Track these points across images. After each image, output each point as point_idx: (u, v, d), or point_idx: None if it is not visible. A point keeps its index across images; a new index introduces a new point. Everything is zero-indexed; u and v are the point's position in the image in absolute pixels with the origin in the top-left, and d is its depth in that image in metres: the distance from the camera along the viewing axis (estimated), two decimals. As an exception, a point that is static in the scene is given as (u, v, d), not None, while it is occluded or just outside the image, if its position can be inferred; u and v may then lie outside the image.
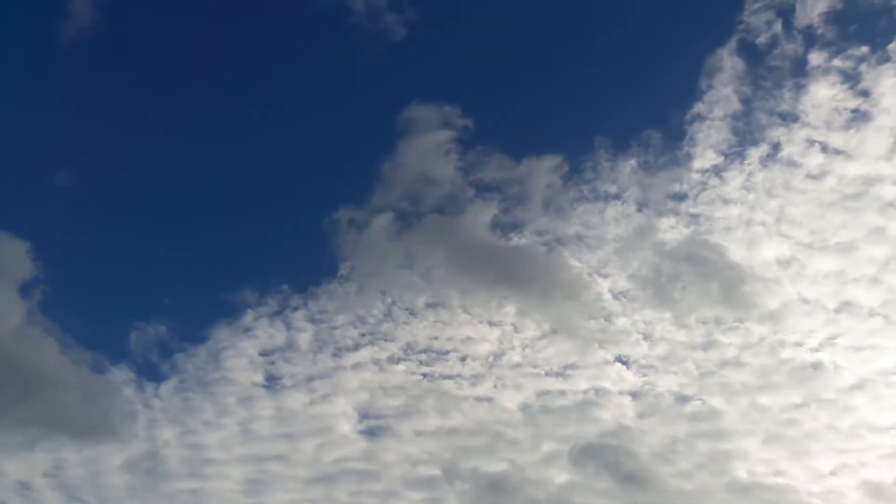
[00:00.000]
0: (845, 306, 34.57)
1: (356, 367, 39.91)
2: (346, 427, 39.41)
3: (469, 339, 39.36)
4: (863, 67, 33.66)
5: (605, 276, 37.82)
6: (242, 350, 40.47)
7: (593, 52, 39.76)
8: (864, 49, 33.61)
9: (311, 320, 40.64)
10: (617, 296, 37.67)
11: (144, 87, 41.64)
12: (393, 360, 39.82)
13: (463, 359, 39.29)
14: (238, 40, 41.70)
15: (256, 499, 38.17)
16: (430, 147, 38.98)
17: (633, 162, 37.85)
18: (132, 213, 42.37)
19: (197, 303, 42.28)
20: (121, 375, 38.95)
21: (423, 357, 39.61)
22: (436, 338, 39.69)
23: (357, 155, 42.00)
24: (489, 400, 38.54)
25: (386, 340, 40.05)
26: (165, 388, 39.61)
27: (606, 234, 38.00)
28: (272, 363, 40.38)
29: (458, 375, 39.06)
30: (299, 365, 40.23)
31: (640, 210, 37.64)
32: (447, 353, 39.44)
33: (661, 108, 38.61)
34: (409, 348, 39.82)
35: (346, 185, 41.69)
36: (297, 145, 42.84)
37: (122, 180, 41.64)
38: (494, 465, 36.88)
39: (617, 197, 37.95)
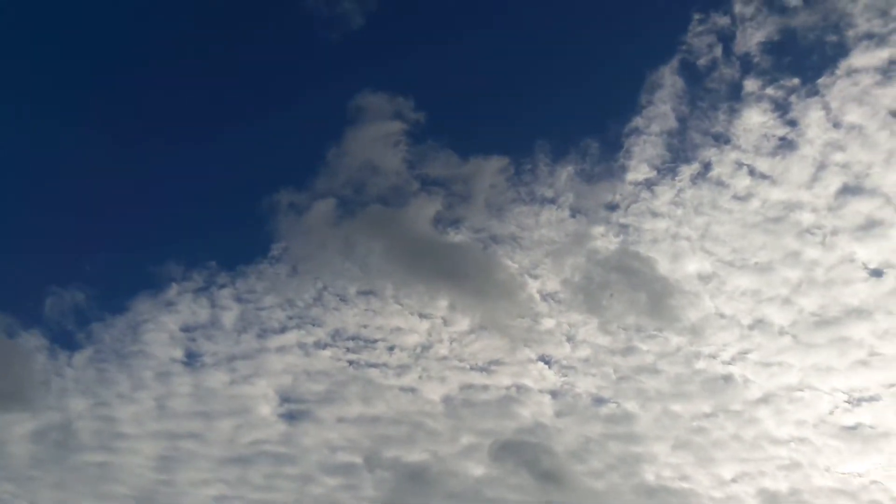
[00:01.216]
0: (758, 323, 36.27)
1: (281, 349, 39.75)
2: (266, 409, 39.13)
3: (398, 329, 39.68)
4: (793, 98, 35.38)
5: (536, 278, 38.71)
6: (163, 324, 39.74)
7: (543, 58, 40.61)
8: (796, 81, 35.30)
9: (238, 299, 40.21)
10: (545, 297, 38.62)
11: (86, 56, 40.99)
12: (319, 345, 39.76)
13: (391, 348, 39.56)
14: (194, 12, 41.17)
15: (167, 475, 37.58)
16: (379, 136, 39.00)
17: (570, 168, 38.85)
18: (56, 171, 41.19)
19: (119, 271, 41.35)
20: (33, 341, 37.74)
21: (350, 344, 39.70)
22: (365, 326, 39.85)
23: (303, 138, 41.83)
24: (413, 391, 38.99)
25: (314, 325, 39.99)
26: (80, 357, 38.64)
27: (540, 237, 38.88)
28: (193, 340, 39.76)
29: (385, 365, 39.33)
30: (222, 343, 39.76)
31: (573, 216, 38.68)
32: (375, 341, 39.64)
33: (602, 119, 39.70)
34: (336, 334, 39.83)
35: (289, 168, 41.51)
36: (244, 122, 42.46)
37: (48, 134, 40.44)
38: (415, 456, 37.36)
39: (553, 201, 38.90)
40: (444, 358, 39.13)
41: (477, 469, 36.68)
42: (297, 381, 39.46)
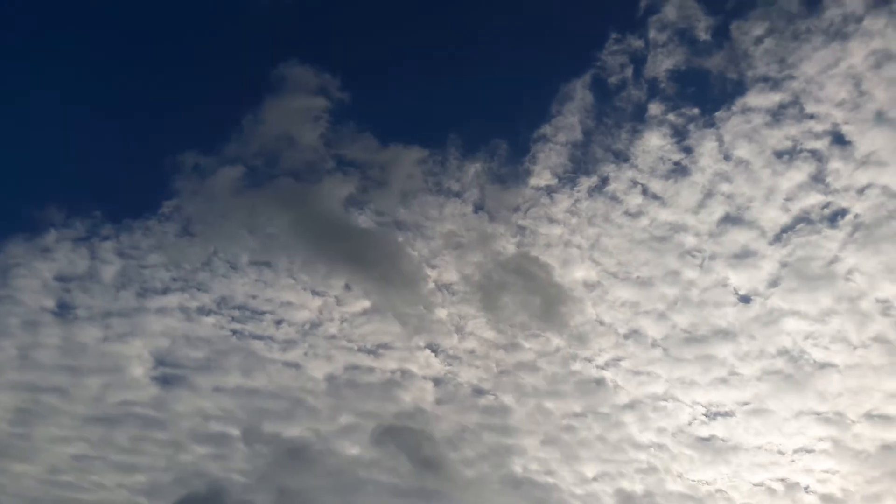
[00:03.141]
0: (633, 334, 38.27)
1: (161, 311, 38.53)
2: (139, 370, 37.86)
3: (289, 303, 39.28)
4: (691, 127, 37.31)
5: (434, 268, 39.31)
6: (36, 271, 37.70)
7: (467, 55, 41.32)
8: (696, 111, 37.17)
9: (120, 254, 38.63)
10: (441, 287, 39.29)
11: None
12: (203, 310, 38.77)
13: (278, 322, 39.09)
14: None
15: (24, 429, 35.80)
16: (299, 110, 38.30)
17: (478, 165, 39.61)
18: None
19: (-8, 208, 38.67)
20: None
21: (236, 313, 38.91)
22: (254, 297, 39.20)
23: (219, 101, 40.58)
24: (297, 367, 38.73)
25: (199, 290, 38.94)
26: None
27: (443, 229, 39.48)
28: (68, 291, 37.89)
29: (270, 338, 38.84)
30: (98, 298, 38.10)
31: (476, 212, 39.52)
32: (263, 313, 39.06)
33: (513, 122, 40.73)
34: (222, 302, 38.95)
35: (199, 129, 40.26)
36: (158, 77, 40.76)
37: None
38: (294, 432, 37.21)
39: (458, 195, 39.54)
40: (333, 337, 39.18)
41: (354, 449, 37.10)
42: (176, 346, 38.42)
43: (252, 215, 38.03)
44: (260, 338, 38.70)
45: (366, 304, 39.26)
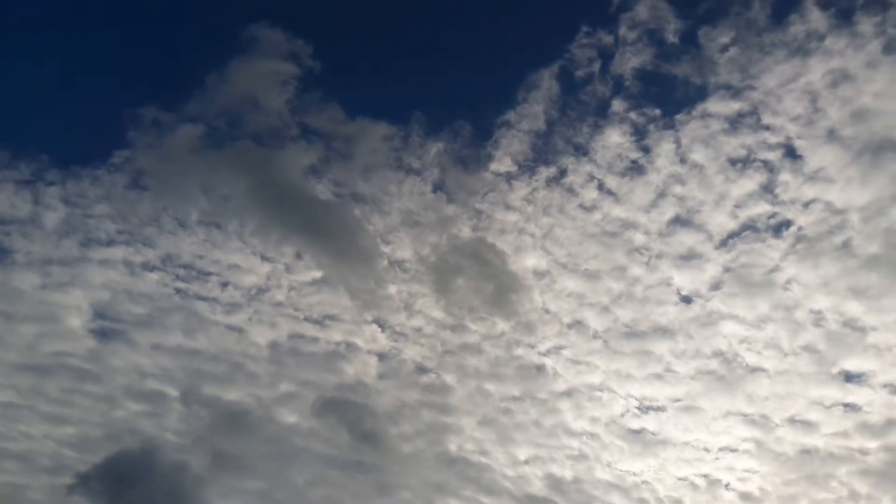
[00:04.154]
0: (576, 324, 39.11)
1: (104, 263, 37.68)
2: (76, 322, 37.07)
3: (237, 266, 38.87)
4: (651, 127, 37.84)
5: (389, 243, 39.33)
6: (-26, 211, 36.24)
7: (441, 33, 41.02)
8: (657, 112, 37.67)
9: (66, 201, 37.53)
10: (393, 263, 39.37)
11: None
12: (147, 266, 38.05)
13: (224, 284, 38.64)
14: None
15: (-50, 374, 34.62)
16: (267, 74, 37.38)
17: (441, 145, 39.56)
18: None
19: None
20: None
21: (181, 272, 38.30)
22: (201, 257, 38.62)
23: (185, 58, 39.45)
24: (240, 331, 38.43)
25: (145, 244, 38.19)
26: None
27: (400, 205, 39.44)
28: (7, 234, 36.73)
29: (215, 300, 38.39)
30: (39, 244, 37.00)
31: (434, 192, 39.55)
32: (209, 274, 38.53)
33: (479, 105, 40.69)
34: (168, 259, 38.29)
35: (162, 84, 39.09)
36: (127, 29, 39.43)
37: None
38: (232, 395, 36.99)
39: (418, 173, 39.49)
40: (279, 304, 38.95)
41: (293, 418, 37.12)
42: (116, 299, 37.67)
43: (208, 175, 37.37)
44: (204, 299, 38.26)
45: (316, 274, 39.19)
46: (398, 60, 40.79)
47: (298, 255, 39.02)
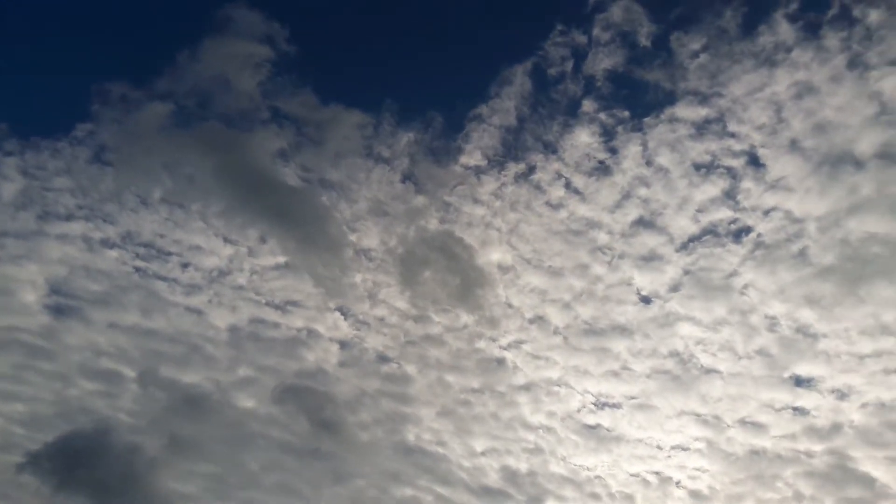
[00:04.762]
0: (538, 319, 39.50)
1: (62, 237, 36.95)
2: (31, 297, 36.33)
3: (198, 248, 38.37)
4: (619, 129, 38.22)
5: (355, 231, 39.21)
6: (-73, 179, 35.21)
7: (417, 22, 40.86)
8: (626, 114, 38.08)
9: (24, 172, 36.70)
10: (359, 252, 39.27)
11: None
12: (107, 243, 37.40)
13: (185, 265, 38.15)
14: None
15: None
16: (241, 55, 36.84)
17: (412, 135, 39.48)
18: None
19: None
20: None
21: (141, 251, 37.71)
22: (162, 236, 38.05)
23: (157, 34, 38.70)
24: (200, 313, 38.00)
25: (105, 221, 37.51)
26: None
27: (368, 193, 39.33)
28: (-39, 204, 35.63)
29: (175, 280, 37.89)
30: (-6, 215, 36.00)
31: (403, 182, 39.50)
32: (170, 254, 38.01)
33: (451, 97, 40.72)
34: (128, 237, 37.67)
35: (132, 60, 38.35)
36: (101, 3, 38.41)
37: None
38: (190, 378, 36.57)
39: (388, 162, 39.39)
40: (241, 287, 38.59)
41: (251, 402, 36.87)
42: (74, 275, 36.99)
43: (174, 154, 36.79)
44: (164, 279, 37.74)
45: (280, 259, 38.92)
46: (373, 48, 40.70)
47: (262, 239, 38.83)
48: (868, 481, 33.49)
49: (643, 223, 37.89)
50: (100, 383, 35.95)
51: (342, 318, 39.01)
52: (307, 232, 37.62)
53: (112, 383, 35.96)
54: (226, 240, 38.47)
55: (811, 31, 33.97)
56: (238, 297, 38.31)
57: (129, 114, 36.45)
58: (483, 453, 38.08)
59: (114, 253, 37.26)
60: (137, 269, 37.46)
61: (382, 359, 38.88)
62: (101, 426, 34.01)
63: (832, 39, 33.49)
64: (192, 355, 37.09)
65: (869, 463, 33.81)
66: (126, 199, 37.56)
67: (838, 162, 34.06)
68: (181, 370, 36.49)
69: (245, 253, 38.68)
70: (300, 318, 38.63)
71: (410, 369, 38.77)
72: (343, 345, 38.81)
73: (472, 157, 39.30)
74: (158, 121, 36.57)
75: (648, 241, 37.84)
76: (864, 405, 34.61)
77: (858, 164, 33.82)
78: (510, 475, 37.42)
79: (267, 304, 38.49)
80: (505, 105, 39.06)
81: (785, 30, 34.33)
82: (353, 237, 38.82)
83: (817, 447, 34.97)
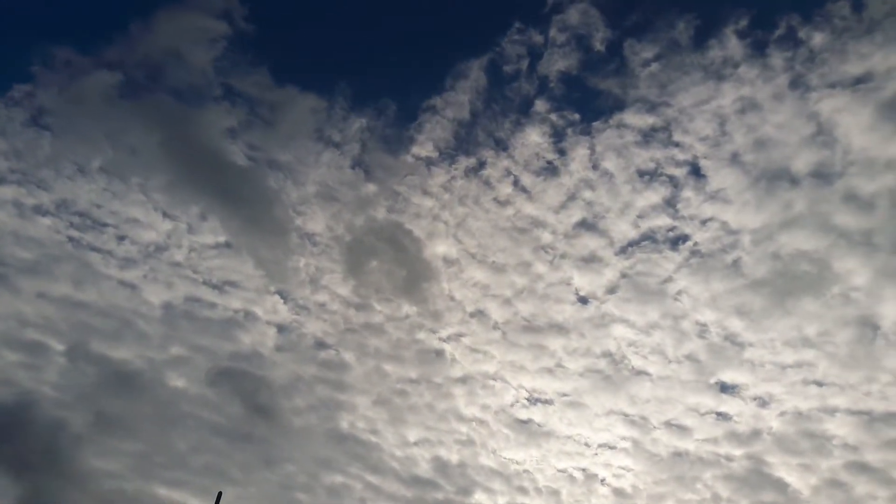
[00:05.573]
0: (478, 313, 39.88)
1: (-9, 202, 35.32)
2: (-46, 261, 34.62)
3: (136, 221, 37.38)
4: (569, 131, 38.82)
5: (301, 214, 38.82)
6: None
7: (377, 8, 40.60)
8: (577, 116, 38.76)
9: (-46, 131, 34.97)
10: (304, 236, 38.92)
11: None
12: (40, 210, 36.10)
13: (121, 238, 37.12)
14: None
15: None
16: (197, 28, 35.99)
17: (364, 121, 39.29)
18: None
19: None
20: None
21: (76, 220, 36.51)
22: (99, 206, 36.93)
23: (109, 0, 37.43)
24: (133, 287, 37.03)
25: (39, 187, 36.16)
26: None
27: (317, 177, 38.97)
28: None
29: (109, 252, 36.82)
30: (-83, 174, 34.35)
31: (353, 168, 39.22)
32: (106, 226, 36.91)
33: (405, 86, 40.63)
34: (63, 205, 36.43)
35: (81, 25, 37.29)
36: None
37: None
38: (119, 353, 35.58)
39: (338, 146, 39.09)
40: (178, 264, 37.74)
41: (182, 382, 36.12)
42: (2, 241, 35.52)
43: (118, 124, 35.79)
44: (98, 250, 36.63)
45: (220, 237, 38.21)
46: (331, 32, 40.27)
47: (203, 216, 38.06)
48: (781, 486, 35.05)
49: (586, 225, 38.69)
50: (24, 354, 34.71)
51: (282, 301, 38.71)
52: (251, 212, 37.20)
53: (37, 355, 34.78)
54: (165, 214, 37.67)
55: (758, 48, 35.14)
56: (174, 274, 37.57)
57: (74, 79, 35.36)
58: (416, 443, 38.32)
59: (46, 220, 36.04)
60: (71, 239, 36.35)
61: (320, 345, 38.74)
62: (23, 399, 32.91)
63: (777, 59, 34.71)
64: (124, 331, 36.19)
65: (783, 469, 35.38)
66: (63, 166, 36.38)
67: (775, 178, 35.37)
68: (112, 345, 35.56)
69: (184, 229, 37.96)
70: (238, 299, 38.14)
71: (348, 357, 38.73)
72: (281, 329, 38.52)
73: (423, 148, 39.45)
74: (104, 89, 35.63)
75: (590, 243, 38.68)
76: (782, 413, 36.18)
77: (794, 180, 35.24)
78: (441, 466, 37.77)
79: (204, 282, 37.87)
80: (459, 98, 39.28)
81: (734, 45, 35.40)
82: (298, 221, 38.56)
83: (737, 451, 36.37)
